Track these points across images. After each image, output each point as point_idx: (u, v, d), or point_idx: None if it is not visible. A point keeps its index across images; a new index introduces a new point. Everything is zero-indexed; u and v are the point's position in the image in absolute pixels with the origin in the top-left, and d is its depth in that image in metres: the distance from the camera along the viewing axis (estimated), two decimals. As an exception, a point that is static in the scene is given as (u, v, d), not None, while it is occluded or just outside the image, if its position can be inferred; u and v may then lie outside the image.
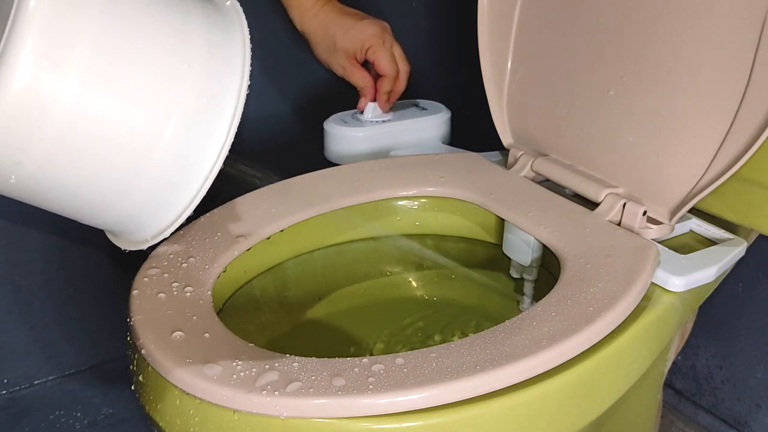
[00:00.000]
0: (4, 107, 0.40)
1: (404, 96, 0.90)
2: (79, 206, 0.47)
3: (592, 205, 0.70)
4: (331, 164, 0.83)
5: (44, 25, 0.40)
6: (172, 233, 0.63)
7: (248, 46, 0.48)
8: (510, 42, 0.80)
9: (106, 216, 0.48)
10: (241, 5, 0.89)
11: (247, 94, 0.94)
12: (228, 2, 0.50)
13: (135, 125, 0.43)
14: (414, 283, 0.82)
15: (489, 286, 0.79)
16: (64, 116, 0.41)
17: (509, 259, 0.74)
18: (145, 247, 0.50)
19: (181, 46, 0.45)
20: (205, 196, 0.65)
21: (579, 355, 0.53)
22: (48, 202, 0.46)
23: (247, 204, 0.71)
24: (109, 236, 0.53)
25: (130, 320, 0.55)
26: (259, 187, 0.73)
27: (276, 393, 0.47)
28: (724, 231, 0.69)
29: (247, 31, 0.48)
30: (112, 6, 0.42)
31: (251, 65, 0.48)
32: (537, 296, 0.74)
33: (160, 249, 0.64)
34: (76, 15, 0.41)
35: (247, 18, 0.90)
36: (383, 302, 0.80)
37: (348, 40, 0.84)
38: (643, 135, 0.68)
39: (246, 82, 0.47)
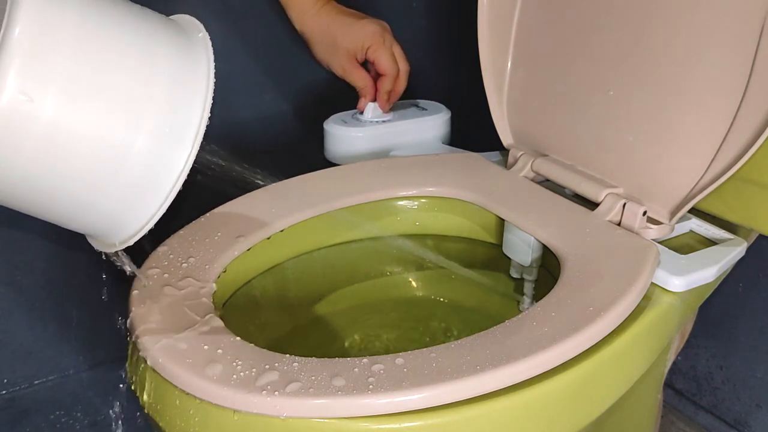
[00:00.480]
0: None
1: (404, 96, 0.90)
2: (48, 216, 0.53)
3: (592, 205, 0.70)
4: (331, 164, 0.83)
5: (21, 62, 0.45)
6: (171, 235, 0.66)
7: (212, 80, 0.52)
8: (510, 42, 0.80)
9: (73, 225, 0.54)
10: (241, 5, 0.89)
11: (246, 97, 0.94)
12: (200, 34, 0.55)
13: (100, 152, 0.49)
14: (414, 283, 0.82)
15: (489, 286, 0.79)
16: (35, 142, 0.47)
17: (509, 259, 0.74)
18: (113, 250, 0.55)
19: (147, 80, 0.50)
20: (205, 196, 0.65)
21: (579, 355, 0.53)
22: (25, 209, 0.53)
23: (247, 204, 0.71)
24: (87, 237, 0.58)
25: (130, 320, 0.55)
26: (259, 187, 0.73)
27: (276, 393, 0.47)
28: (724, 231, 0.69)
29: (212, 65, 0.53)
30: (85, 45, 0.47)
31: (214, 92, 0.53)
32: (537, 296, 0.74)
33: (160, 249, 0.64)
34: (51, 54, 0.46)
35: (248, 18, 0.91)
36: (383, 302, 0.80)
37: (349, 39, 0.84)
38: (643, 135, 0.68)
39: (207, 113, 0.52)
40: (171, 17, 0.55)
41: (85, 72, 0.47)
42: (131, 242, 0.53)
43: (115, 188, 0.50)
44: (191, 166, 0.51)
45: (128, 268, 0.58)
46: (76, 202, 0.51)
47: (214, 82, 0.52)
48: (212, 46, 0.53)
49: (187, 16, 0.56)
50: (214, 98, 0.52)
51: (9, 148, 0.46)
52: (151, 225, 0.52)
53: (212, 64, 0.53)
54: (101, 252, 0.56)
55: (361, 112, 0.89)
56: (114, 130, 0.48)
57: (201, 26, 0.55)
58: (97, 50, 0.48)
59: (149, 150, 0.50)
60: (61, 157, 0.48)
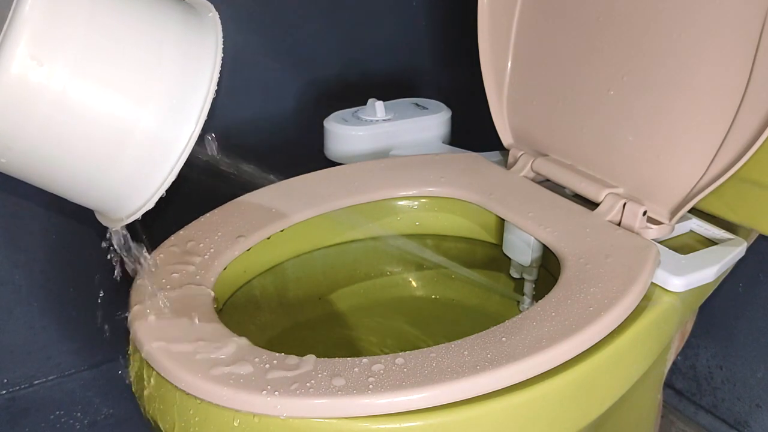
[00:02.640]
0: None
1: (404, 95, 0.90)
2: (56, 188, 0.53)
3: (592, 205, 0.70)
4: (331, 163, 0.83)
5: (34, 28, 0.45)
6: (171, 235, 0.65)
7: (219, 58, 0.53)
8: (510, 42, 0.80)
9: (79, 197, 0.54)
10: (241, 6, 0.89)
11: (246, 96, 0.94)
12: (210, 14, 0.55)
13: (108, 122, 0.49)
14: (414, 283, 0.82)
15: (489, 286, 0.79)
16: (46, 110, 0.47)
17: (509, 259, 0.74)
18: (120, 225, 0.55)
19: (158, 53, 0.50)
20: (205, 196, 0.65)
21: (579, 354, 0.53)
22: (34, 180, 0.52)
23: (247, 204, 0.71)
24: (95, 213, 0.58)
25: (130, 320, 0.55)
26: (259, 187, 0.73)
27: (276, 393, 0.47)
28: (724, 231, 0.69)
29: (221, 44, 0.53)
30: (98, 15, 0.48)
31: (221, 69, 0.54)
32: (537, 296, 0.74)
33: (160, 249, 0.64)
34: (64, 22, 0.46)
35: (248, 18, 0.91)
36: (383, 302, 0.80)
37: None
38: (643, 135, 0.68)
39: (213, 90, 0.52)
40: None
41: (96, 41, 0.48)
42: (137, 215, 0.54)
43: (121, 158, 0.51)
44: (194, 142, 0.52)
45: (140, 260, 0.59)
46: (84, 171, 0.51)
47: (221, 63, 0.53)
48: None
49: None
50: (216, 93, 0.52)
51: (19, 116, 0.47)
52: (155, 199, 0.53)
53: (221, 44, 0.53)
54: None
55: (361, 110, 0.89)
56: (123, 100, 0.49)
57: (211, 6, 0.56)
58: (110, 20, 0.49)
59: (156, 123, 0.50)
60: (70, 126, 0.48)
